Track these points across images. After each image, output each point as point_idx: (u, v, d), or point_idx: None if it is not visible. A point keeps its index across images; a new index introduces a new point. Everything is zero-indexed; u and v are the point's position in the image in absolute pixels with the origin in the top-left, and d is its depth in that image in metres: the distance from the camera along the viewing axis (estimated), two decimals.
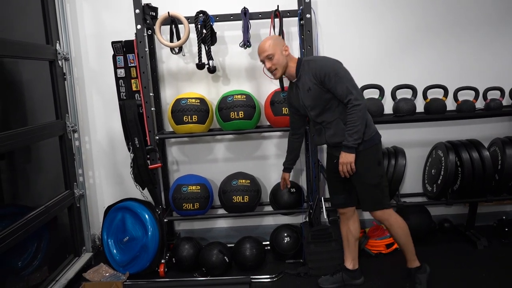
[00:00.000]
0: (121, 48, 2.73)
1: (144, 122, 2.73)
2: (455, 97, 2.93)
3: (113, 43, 2.73)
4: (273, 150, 3.22)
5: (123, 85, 2.79)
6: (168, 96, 3.11)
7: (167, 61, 3.08)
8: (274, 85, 3.03)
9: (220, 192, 2.97)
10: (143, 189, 2.85)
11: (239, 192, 2.86)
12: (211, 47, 2.71)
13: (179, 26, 2.77)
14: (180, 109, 2.74)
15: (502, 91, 2.93)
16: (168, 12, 2.63)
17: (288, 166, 2.69)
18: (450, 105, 2.97)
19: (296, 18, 2.82)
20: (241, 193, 2.86)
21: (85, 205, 3.06)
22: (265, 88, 3.09)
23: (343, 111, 2.21)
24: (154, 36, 2.92)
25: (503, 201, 3.17)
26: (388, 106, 2.99)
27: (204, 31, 2.67)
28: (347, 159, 2.19)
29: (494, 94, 2.97)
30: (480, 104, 2.97)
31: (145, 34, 2.70)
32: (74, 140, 2.98)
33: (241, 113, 2.74)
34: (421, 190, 3.27)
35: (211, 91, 3.11)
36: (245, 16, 2.67)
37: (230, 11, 2.77)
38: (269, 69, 2.29)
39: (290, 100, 2.47)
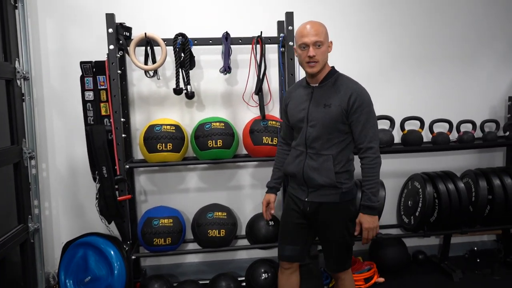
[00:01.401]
0: (91, 69, 2.51)
1: (113, 149, 2.50)
2: (431, 129, 2.97)
3: (82, 63, 2.51)
4: (248, 180, 3.08)
5: (91, 108, 2.56)
6: (138, 121, 2.90)
7: (138, 84, 2.89)
8: (252, 113, 2.93)
9: (193, 225, 2.76)
10: (109, 223, 2.59)
11: (215, 225, 2.68)
12: (189, 71, 2.57)
13: (155, 48, 2.60)
14: (154, 136, 2.55)
15: (474, 124, 3.01)
16: (145, 33, 2.47)
17: (274, 185, 2.27)
18: (425, 136, 3.00)
19: (276, 45, 2.76)
20: (217, 227, 2.68)
21: (40, 241, 2.74)
22: (242, 115, 2.97)
23: (342, 153, 1.96)
24: (125, 58, 2.74)
25: (475, 232, 3.22)
26: None
27: (183, 54, 2.52)
28: (373, 223, 1.92)
29: (466, 127, 3.04)
30: (453, 136, 3.02)
31: (118, 55, 2.51)
32: (31, 168, 2.68)
33: (219, 141, 2.59)
34: (395, 221, 3.25)
35: (184, 117, 2.95)
36: (226, 40, 2.57)
37: (207, 35, 2.65)
38: (310, 58, 1.88)
39: (289, 102, 2.11)
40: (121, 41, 2.49)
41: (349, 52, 3.03)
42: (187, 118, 2.94)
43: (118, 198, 2.50)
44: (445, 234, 3.03)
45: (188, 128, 2.85)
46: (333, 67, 2.05)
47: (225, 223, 2.71)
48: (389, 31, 3.07)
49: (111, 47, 2.44)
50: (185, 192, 3.03)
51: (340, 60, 2.99)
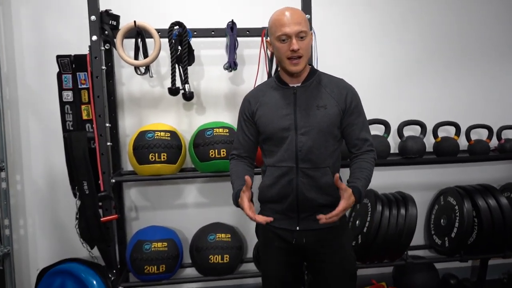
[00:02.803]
0: (69, 65, 2.11)
1: (96, 160, 2.09)
2: (468, 136, 2.56)
3: (58, 57, 2.10)
4: (256, 193, 2.66)
5: (70, 112, 2.15)
6: (128, 126, 2.49)
7: (128, 83, 2.48)
8: None
9: (192, 249, 2.36)
10: (92, 248, 2.18)
11: (217, 250, 2.27)
12: (188, 68, 2.17)
13: (147, 40, 2.20)
14: (145, 145, 2.14)
15: None
16: (135, 22, 2.06)
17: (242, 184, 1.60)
18: (460, 144, 2.59)
19: None
20: (220, 251, 2.27)
21: (11, 267, 2.33)
22: None
23: (336, 163, 1.65)
24: (113, 51, 2.33)
25: None
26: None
27: (180, 47, 2.12)
28: (351, 201, 1.48)
29: (505, 134, 2.64)
30: (492, 143, 2.62)
31: (102, 48, 2.11)
32: (1, 181, 2.28)
33: (223, 151, 2.18)
34: (423, 241, 2.85)
35: (182, 122, 2.54)
36: (232, 31, 2.16)
37: (209, 26, 2.25)
38: (294, 52, 1.52)
39: (258, 109, 1.64)
40: (106, 32, 2.09)
41: (371, 50, 2.63)
42: (185, 123, 2.54)
43: (102, 219, 2.09)
44: (484, 258, 2.62)
45: (186, 134, 2.46)
46: (311, 64, 1.74)
47: (229, 247, 2.30)
48: (417, 28, 2.67)
49: (94, 38, 2.04)
50: (183, 208, 2.62)
51: (362, 58, 2.69)
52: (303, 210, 1.60)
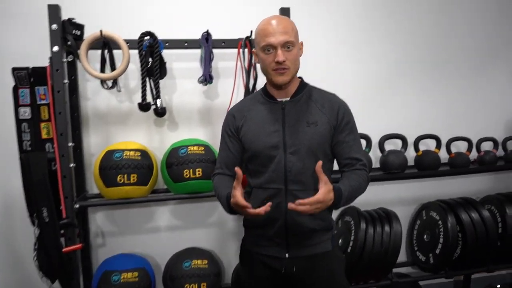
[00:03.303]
0: (27, 78, 1.90)
1: (57, 184, 1.88)
2: (448, 149, 2.52)
3: (14, 70, 1.90)
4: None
5: (27, 130, 1.94)
6: (94, 145, 2.29)
7: (94, 98, 2.29)
8: None
9: (166, 278, 2.16)
10: (53, 282, 1.95)
11: (193, 278, 2.09)
12: (159, 81, 2.01)
13: (115, 52, 2.03)
14: (113, 166, 1.95)
15: (495, 142, 2.59)
16: (101, 31, 1.89)
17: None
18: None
19: None
20: (197, 280, 2.09)
21: None
22: None
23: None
24: (76, 64, 2.14)
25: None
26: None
27: (151, 59, 1.97)
28: (325, 205, 1.30)
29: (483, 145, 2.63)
30: (472, 155, 2.60)
31: (65, 60, 1.92)
32: None
33: (198, 170, 2.03)
34: (405, 258, 2.77)
35: (153, 139, 2.37)
36: (207, 42, 2.03)
37: (181, 37, 2.11)
38: (279, 64, 1.40)
39: (243, 125, 1.52)
40: (69, 42, 1.91)
41: (352, 60, 2.57)
42: (156, 141, 2.37)
43: (64, 250, 1.87)
44: (469, 273, 2.56)
45: (158, 153, 2.29)
46: (301, 77, 1.60)
47: (206, 274, 2.12)
48: (396, 40, 2.63)
49: (55, 48, 1.85)
50: (155, 232, 2.43)
51: (341, 71, 2.58)
52: (292, 236, 1.47)
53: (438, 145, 2.49)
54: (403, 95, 2.65)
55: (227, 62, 2.34)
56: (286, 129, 1.46)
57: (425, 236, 2.54)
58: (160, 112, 2.01)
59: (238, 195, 1.33)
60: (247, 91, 2.14)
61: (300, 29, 1.52)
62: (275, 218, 1.46)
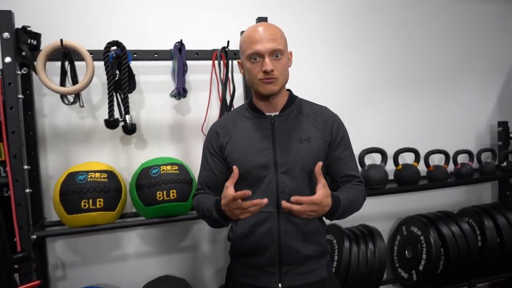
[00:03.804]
0: None
1: (11, 213, 1.65)
2: (427, 162, 2.49)
3: None
4: (207, 236, 2.34)
5: None
6: (53, 167, 2.06)
7: (52, 114, 2.06)
8: None
9: None
10: None
11: None
12: (128, 95, 1.84)
13: (77, 64, 1.84)
14: (76, 190, 1.74)
15: (470, 154, 2.59)
16: (61, 40, 1.70)
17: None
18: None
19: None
20: None
21: None
22: (198, 154, 2.25)
23: None
24: (32, 76, 1.92)
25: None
26: None
27: (118, 72, 1.79)
28: (322, 211, 1.21)
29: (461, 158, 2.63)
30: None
31: (19, 72, 1.71)
32: None
33: (172, 192, 1.85)
34: (385, 275, 2.68)
35: (119, 159, 2.17)
36: (180, 53, 1.88)
37: (150, 47, 1.96)
38: (267, 74, 1.29)
39: (228, 142, 1.38)
40: (24, 52, 1.70)
41: (329, 75, 2.51)
42: (123, 160, 2.17)
43: None
44: None
45: (125, 173, 2.10)
46: (289, 89, 1.50)
47: None
48: (373, 55, 2.60)
49: (8, 60, 1.64)
50: (122, 260, 2.21)
51: (318, 83, 2.48)
52: (286, 264, 1.33)
53: (417, 159, 2.45)
54: (380, 110, 2.61)
55: (199, 74, 2.21)
56: (277, 146, 1.34)
57: (406, 252, 2.48)
58: (130, 129, 1.83)
59: (230, 189, 1.18)
60: (224, 105, 2.01)
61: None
62: (266, 245, 1.32)
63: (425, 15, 2.71)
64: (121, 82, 1.79)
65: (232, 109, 2.01)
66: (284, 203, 1.16)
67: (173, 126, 2.25)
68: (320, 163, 1.22)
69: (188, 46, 1.97)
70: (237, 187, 1.35)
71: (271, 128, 1.36)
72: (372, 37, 2.59)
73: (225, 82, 1.99)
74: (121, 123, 1.84)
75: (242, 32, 2.16)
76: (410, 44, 2.68)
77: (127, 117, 1.82)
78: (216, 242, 2.34)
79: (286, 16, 2.39)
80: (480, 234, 2.46)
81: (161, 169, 1.89)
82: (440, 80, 2.76)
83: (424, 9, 2.71)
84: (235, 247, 1.40)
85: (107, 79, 1.77)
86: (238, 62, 1.40)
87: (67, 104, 1.87)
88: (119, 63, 1.79)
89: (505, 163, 2.62)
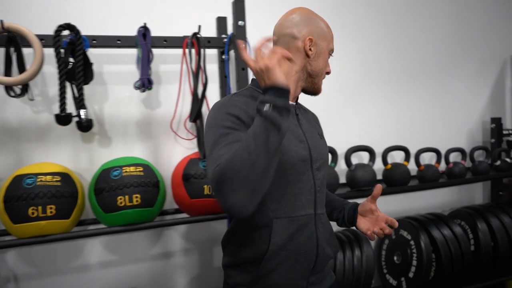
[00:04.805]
0: None
1: None
2: (417, 161, 2.32)
3: None
4: (179, 243, 2.13)
5: None
6: (1, 168, 1.82)
7: (1, 108, 1.83)
8: (184, 149, 2.04)
9: None
10: None
11: None
12: (84, 87, 1.61)
13: (25, 50, 1.60)
14: (22, 196, 1.51)
15: (463, 152, 2.44)
16: (2, 22, 1.46)
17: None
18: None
19: (215, 51, 1.96)
20: None
21: None
22: (168, 153, 2.05)
23: None
24: None
25: None
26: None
27: (72, 59, 1.56)
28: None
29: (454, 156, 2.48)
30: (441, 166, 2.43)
31: None
32: None
33: (136, 197, 1.63)
34: (372, 282, 2.52)
35: (79, 159, 1.94)
36: (145, 39, 1.66)
37: (113, 33, 1.74)
38: (327, 74, 1.25)
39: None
40: None
41: None
42: (84, 160, 1.94)
43: None
44: None
45: (87, 175, 1.88)
46: None
47: None
48: (361, 52, 2.44)
49: None
50: (84, 271, 1.99)
51: None
52: (315, 273, 1.16)
53: (407, 158, 2.28)
54: (368, 106, 2.45)
55: (170, 65, 2.00)
56: (308, 139, 1.16)
57: (395, 258, 2.31)
58: (85, 126, 1.60)
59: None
60: (195, 98, 1.80)
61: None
62: (304, 253, 1.10)
63: (413, 14, 2.54)
64: (75, 71, 1.56)
65: (202, 105, 1.79)
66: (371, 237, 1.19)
67: (140, 121, 2.03)
68: (380, 186, 1.20)
69: (156, 32, 1.76)
70: (272, 188, 1.04)
71: (297, 119, 1.18)
72: (362, 31, 2.42)
73: (196, 72, 1.78)
74: (75, 119, 1.61)
75: (218, 18, 1.97)
76: (401, 40, 2.53)
77: (82, 111, 1.59)
78: (189, 249, 2.13)
79: (274, 4, 2.19)
80: (473, 237, 2.32)
81: (123, 171, 1.66)
82: (431, 75, 2.61)
83: (414, 3, 2.54)
84: (266, 263, 1.08)
85: (58, 68, 1.54)
86: (310, 39, 1.15)
87: (13, 96, 1.62)
88: (73, 50, 1.56)
89: (498, 162, 2.47)
